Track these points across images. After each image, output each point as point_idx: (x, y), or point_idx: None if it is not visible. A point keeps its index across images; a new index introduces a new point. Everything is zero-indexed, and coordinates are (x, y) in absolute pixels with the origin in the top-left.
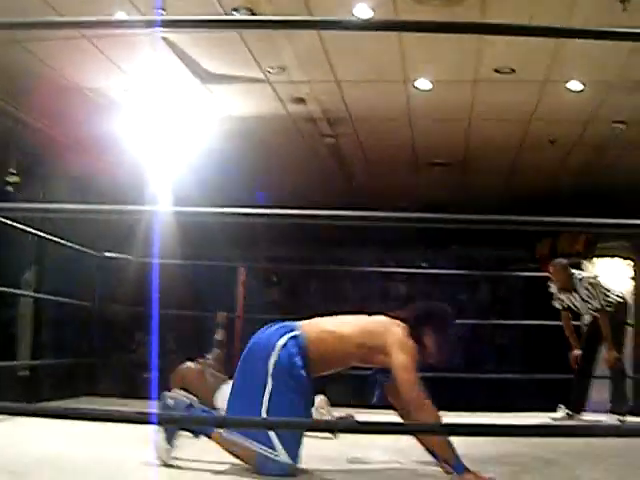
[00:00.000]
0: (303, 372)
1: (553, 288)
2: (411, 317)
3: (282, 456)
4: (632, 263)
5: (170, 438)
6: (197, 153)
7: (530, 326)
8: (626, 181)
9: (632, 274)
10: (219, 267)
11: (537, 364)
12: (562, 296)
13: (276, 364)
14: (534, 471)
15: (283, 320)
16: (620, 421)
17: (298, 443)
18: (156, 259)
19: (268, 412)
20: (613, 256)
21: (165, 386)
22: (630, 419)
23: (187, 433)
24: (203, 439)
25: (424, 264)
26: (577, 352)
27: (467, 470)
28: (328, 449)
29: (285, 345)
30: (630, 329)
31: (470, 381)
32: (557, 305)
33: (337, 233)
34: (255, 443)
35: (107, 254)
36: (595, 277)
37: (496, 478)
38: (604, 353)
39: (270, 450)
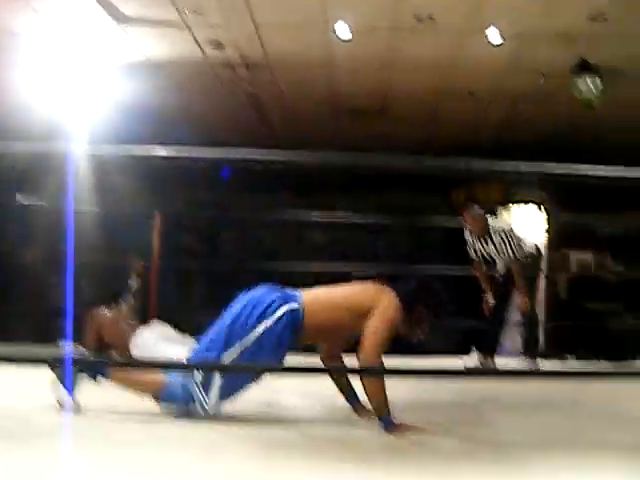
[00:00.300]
0: (289, 343)
1: (467, 236)
2: (406, 290)
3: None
4: (546, 214)
5: (70, 383)
6: (110, 96)
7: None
8: (545, 133)
9: (546, 225)
10: (134, 213)
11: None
12: (477, 245)
13: (265, 332)
14: (451, 415)
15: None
16: (532, 365)
17: (229, 395)
18: (70, 205)
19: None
20: (527, 202)
21: (80, 332)
22: (542, 363)
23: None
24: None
25: (343, 212)
26: (491, 300)
27: (394, 424)
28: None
29: (281, 318)
30: (542, 278)
31: None
32: (472, 254)
33: (257, 178)
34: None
35: (20, 201)
36: (510, 228)
37: (427, 428)
38: (517, 300)
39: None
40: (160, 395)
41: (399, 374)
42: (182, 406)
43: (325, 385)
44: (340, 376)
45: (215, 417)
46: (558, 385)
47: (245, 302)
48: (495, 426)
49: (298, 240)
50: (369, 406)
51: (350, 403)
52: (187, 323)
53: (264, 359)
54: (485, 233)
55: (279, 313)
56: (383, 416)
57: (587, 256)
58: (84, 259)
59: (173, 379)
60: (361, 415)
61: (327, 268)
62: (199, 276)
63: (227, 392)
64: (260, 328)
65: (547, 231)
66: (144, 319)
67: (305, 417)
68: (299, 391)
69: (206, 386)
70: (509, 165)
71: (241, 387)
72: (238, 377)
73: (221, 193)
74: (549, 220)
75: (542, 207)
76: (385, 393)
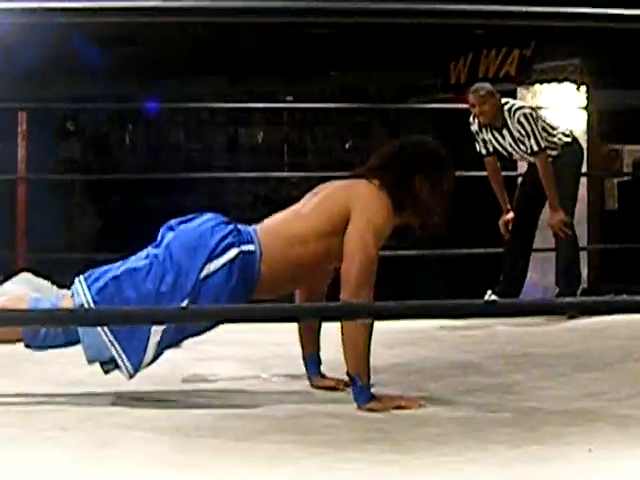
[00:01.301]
0: (242, 298)
1: (475, 125)
2: (388, 163)
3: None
4: (585, 89)
5: None
6: None
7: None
8: None
9: (586, 110)
10: None
11: (455, 234)
12: (487, 136)
13: (210, 282)
14: (448, 379)
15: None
16: (569, 315)
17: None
18: None
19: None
20: (561, 80)
21: None
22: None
23: None
24: None
25: (289, 98)
26: (509, 216)
27: (373, 396)
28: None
29: (233, 262)
30: (584, 181)
31: None
32: (481, 149)
33: (165, 60)
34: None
35: None
36: (533, 108)
37: (422, 403)
38: (548, 215)
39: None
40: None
41: (390, 317)
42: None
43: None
44: (310, 326)
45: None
46: (604, 336)
47: (177, 240)
48: (519, 393)
49: (232, 143)
50: (337, 374)
51: (308, 368)
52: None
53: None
54: (497, 120)
55: (229, 256)
56: (359, 381)
57: None
58: None
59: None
60: (322, 385)
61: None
62: (91, 202)
63: (160, 349)
64: (202, 275)
65: (589, 117)
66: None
67: (243, 392)
68: (238, 357)
69: (134, 343)
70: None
71: (177, 343)
72: (178, 332)
73: (120, 83)
74: (590, 103)
75: (580, 86)
76: (369, 348)
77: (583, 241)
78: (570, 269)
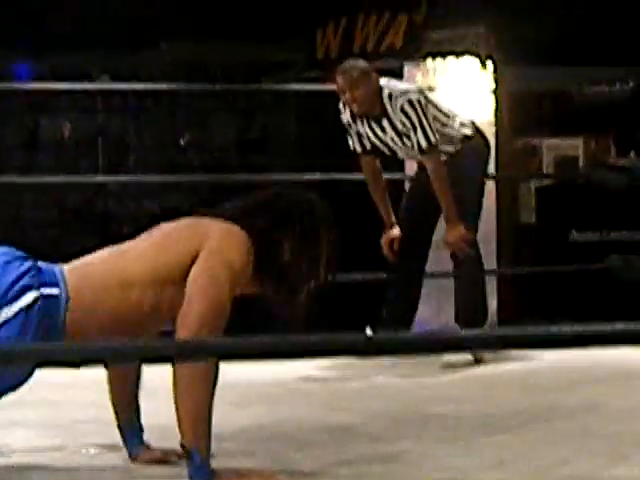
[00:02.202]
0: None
1: (346, 115)
2: (255, 212)
3: None
4: (493, 66)
5: None
6: None
7: (305, 186)
8: None
9: (492, 85)
10: None
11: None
12: (363, 128)
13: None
14: (316, 447)
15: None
16: (475, 356)
17: None
18: None
19: None
20: (460, 53)
21: None
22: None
23: None
24: None
25: (104, 76)
26: (394, 232)
27: (217, 475)
28: None
29: (30, 308)
30: (492, 186)
31: None
32: (355, 145)
33: None
34: None
35: None
36: (419, 90)
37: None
38: (444, 230)
39: None
40: None
41: (239, 356)
42: None
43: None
44: (123, 382)
45: None
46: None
47: None
48: (408, 464)
49: (31, 136)
50: (167, 442)
51: (126, 438)
52: None
53: None
54: (376, 109)
55: (25, 301)
56: (197, 455)
57: (571, 144)
58: None
59: None
60: (147, 459)
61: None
62: None
63: None
64: None
65: (497, 102)
66: None
67: (43, 469)
68: (35, 422)
69: None
70: None
71: None
72: None
73: None
74: (499, 83)
75: (486, 61)
76: (209, 409)
77: (491, 263)
78: (473, 300)
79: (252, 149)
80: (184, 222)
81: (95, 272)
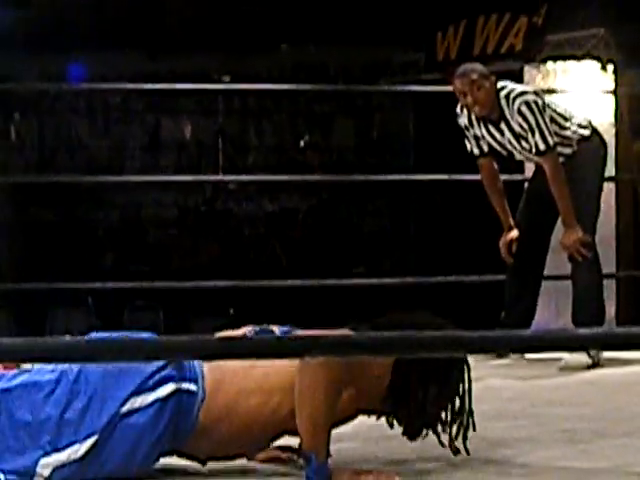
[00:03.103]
0: (170, 443)
1: (464, 118)
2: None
3: None
4: (613, 69)
5: None
6: None
7: (425, 187)
8: None
9: (612, 88)
10: None
11: (439, 257)
12: (481, 131)
13: (132, 414)
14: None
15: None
16: (592, 359)
17: None
18: None
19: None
20: (581, 57)
21: None
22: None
23: None
24: None
25: (226, 78)
26: (512, 234)
27: (335, 476)
28: None
29: (166, 400)
30: (611, 188)
31: (326, 290)
32: (472, 148)
33: (62, 28)
34: None
35: None
36: (536, 92)
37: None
38: (561, 233)
39: None
40: None
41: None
42: None
43: None
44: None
45: None
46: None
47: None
48: (527, 467)
49: (148, 141)
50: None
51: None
52: None
53: (120, 459)
54: (493, 110)
55: (163, 392)
56: (315, 460)
57: None
58: None
59: None
60: (265, 457)
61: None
62: None
63: None
64: (123, 409)
65: (617, 104)
66: None
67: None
68: None
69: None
70: None
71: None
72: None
73: (5, 56)
74: (620, 85)
75: (606, 64)
76: (330, 412)
77: (610, 266)
78: (591, 303)
79: (371, 150)
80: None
81: (234, 374)
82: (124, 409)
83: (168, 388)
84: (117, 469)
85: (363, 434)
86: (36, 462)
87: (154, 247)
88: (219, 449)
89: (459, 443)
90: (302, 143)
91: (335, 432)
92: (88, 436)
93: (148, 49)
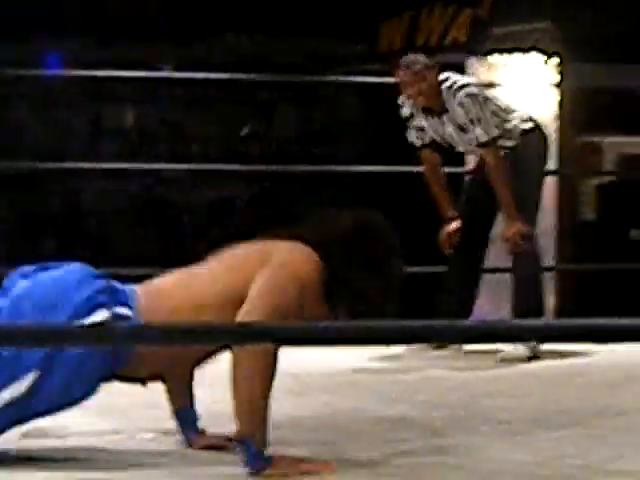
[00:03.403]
0: (105, 371)
1: (406, 109)
2: (322, 240)
3: None
4: (558, 62)
5: None
6: None
7: (368, 177)
8: None
9: (558, 89)
10: None
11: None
12: (423, 122)
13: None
14: (372, 437)
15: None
16: (531, 352)
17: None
18: None
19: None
20: (526, 49)
21: None
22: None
23: None
24: None
25: (166, 66)
26: (453, 226)
27: (269, 459)
28: None
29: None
30: (552, 182)
31: None
32: (414, 139)
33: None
34: None
35: None
36: (481, 85)
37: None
38: (502, 225)
39: None
40: None
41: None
42: None
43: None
44: (181, 380)
45: None
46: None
47: (31, 293)
48: (465, 457)
49: (89, 127)
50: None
51: (181, 424)
52: None
53: (61, 390)
54: (435, 102)
55: (98, 318)
56: (253, 445)
57: (633, 142)
58: None
59: None
60: (202, 444)
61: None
62: None
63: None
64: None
65: (561, 99)
66: None
67: (102, 451)
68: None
69: None
70: None
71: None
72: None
73: None
74: (563, 80)
75: (550, 57)
76: (266, 397)
77: (549, 259)
78: (531, 295)
79: (314, 141)
80: (255, 244)
81: (167, 294)
82: None
83: (101, 314)
84: (60, 400)
85: (300, 423)
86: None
87: (94, 235)
88: (157, 369)
89: None
90: (244, 132)
91: (272, 419)
92: (27, 371)
93: (93, 36)
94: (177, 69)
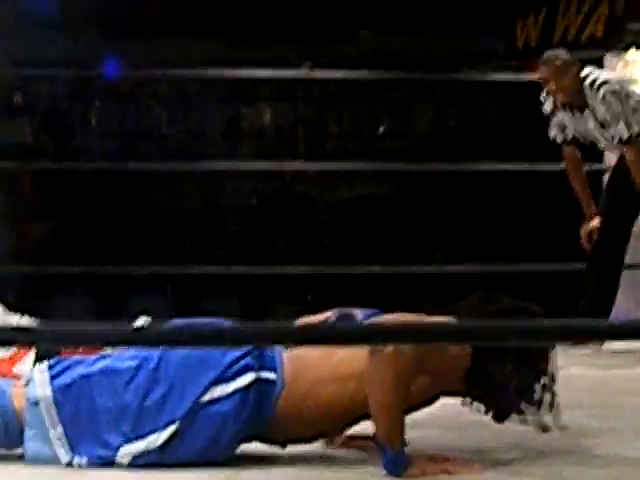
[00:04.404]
0: (250, 430)
1: (548, 105)
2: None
3: None
4: None
5: None
6: None
7: (507, 176)
8: None
9: None
10: None
11: (521, 245)
12: (565, 118)
13: (212, 404)
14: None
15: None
16: None
17: None
18: None
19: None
20: None
21: None
22: None
23: None
24: None
25: (306, 63)
26: (594, 222)
27: (408, 459)
28: None
29: (247, 390)
30: None
31: (411, 277)
32: (555, 136)
33: (142, 14)
34: None
35: None
36: (622, 81)
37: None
38: None
39: None
40: None
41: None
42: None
43: None
44: None
45: None
46: None
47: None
48: (605, 459)
49: (230, 126)
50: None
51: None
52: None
53: (200, 447)
54: (577, 98)
55: (244, 381)
56: (391, 450)
57: None
58: None
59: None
60: (342, 443)
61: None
62: (44, 200)
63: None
64: (203, 399)
65: None
66: None
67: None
68: None
69: None
70: None
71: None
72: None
73: (85, 42)
74: None
75: None
76: (401, 402)
77: None
78: None
79: (451, 138)
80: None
81: (314, 365)
82: (204, 399)
83: (248, 377)
84: (197, 457)
85: (441, 422)
86: (116, 449)
87: (233, 234)
88: (298, 434)
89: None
90: (380, 130)
91: (413, 419)
92: (168, 424)
93: (228, 36)
94: (314, 68)
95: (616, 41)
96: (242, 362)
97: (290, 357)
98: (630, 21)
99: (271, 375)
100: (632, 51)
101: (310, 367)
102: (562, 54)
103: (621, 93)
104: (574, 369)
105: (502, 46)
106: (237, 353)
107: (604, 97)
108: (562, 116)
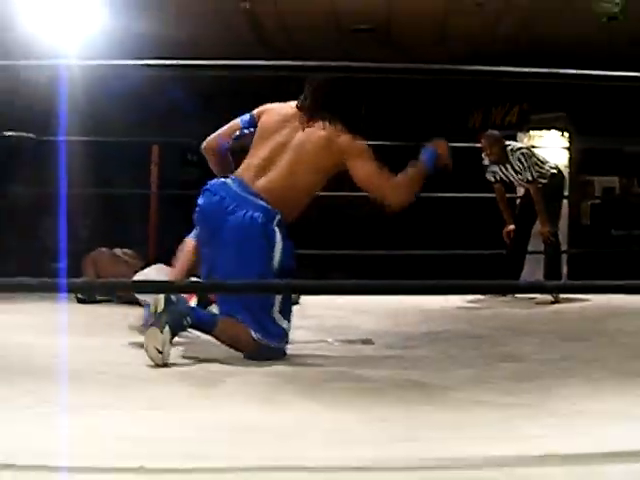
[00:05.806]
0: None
1: (486, 161)
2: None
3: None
4: (567, 134)
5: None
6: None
7: (463, 200)
8: (559, 46)
9: (567, 145)
10: (130, 145)
11: (470, 240)
12: (495, 169)
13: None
14: (463, 347)
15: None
16: (554, 298)
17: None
18: (62, 137)
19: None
20: (549, 128)
21: (77, 275)
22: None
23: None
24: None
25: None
26: (511, 227)
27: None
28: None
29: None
30: (565, 202)
31: (392, 258)
32: (490, 177)
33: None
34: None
35: (6, 133)
36: (528, 148)
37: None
38: (538, 227)
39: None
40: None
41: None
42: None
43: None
44: None
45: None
46: (580, 316)
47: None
48: (519, 358)
49: None
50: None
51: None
52: None
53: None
54: (502, 157)
55: (278, 242)
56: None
57: (611, 180)
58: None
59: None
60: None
61: None
62: None
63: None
64: (275, 253)
65: (570, 156)
66: (145, 260)
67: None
68: (309, 326)
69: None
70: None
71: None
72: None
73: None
74: (572, 145)
75: (564, 132)
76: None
77: (564, 247)
78: (554, 267)
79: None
80: (308, 134)
81: (285, 188)
82: (275, 254)
83: (278, 237)
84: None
85: (424, 337)
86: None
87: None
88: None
89: None
90: None
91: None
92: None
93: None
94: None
95: (524, 126)
96: (277, 235)
97: (266, 189)
98: (532, 114)
99: (278, 216)
100: (533, 131)
101: (286, 191)
102: (494, 132)
103: (527, 154)
104: (499, 307)
105: (460, 127)
106: (257, 218)
107: (518, 157)
108: (494, 167)
